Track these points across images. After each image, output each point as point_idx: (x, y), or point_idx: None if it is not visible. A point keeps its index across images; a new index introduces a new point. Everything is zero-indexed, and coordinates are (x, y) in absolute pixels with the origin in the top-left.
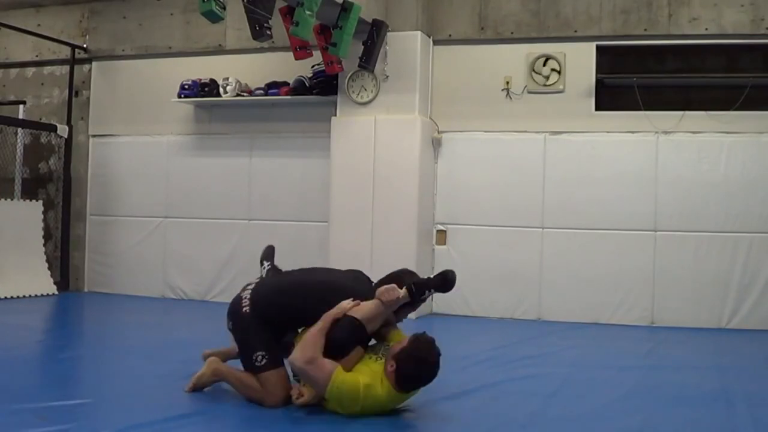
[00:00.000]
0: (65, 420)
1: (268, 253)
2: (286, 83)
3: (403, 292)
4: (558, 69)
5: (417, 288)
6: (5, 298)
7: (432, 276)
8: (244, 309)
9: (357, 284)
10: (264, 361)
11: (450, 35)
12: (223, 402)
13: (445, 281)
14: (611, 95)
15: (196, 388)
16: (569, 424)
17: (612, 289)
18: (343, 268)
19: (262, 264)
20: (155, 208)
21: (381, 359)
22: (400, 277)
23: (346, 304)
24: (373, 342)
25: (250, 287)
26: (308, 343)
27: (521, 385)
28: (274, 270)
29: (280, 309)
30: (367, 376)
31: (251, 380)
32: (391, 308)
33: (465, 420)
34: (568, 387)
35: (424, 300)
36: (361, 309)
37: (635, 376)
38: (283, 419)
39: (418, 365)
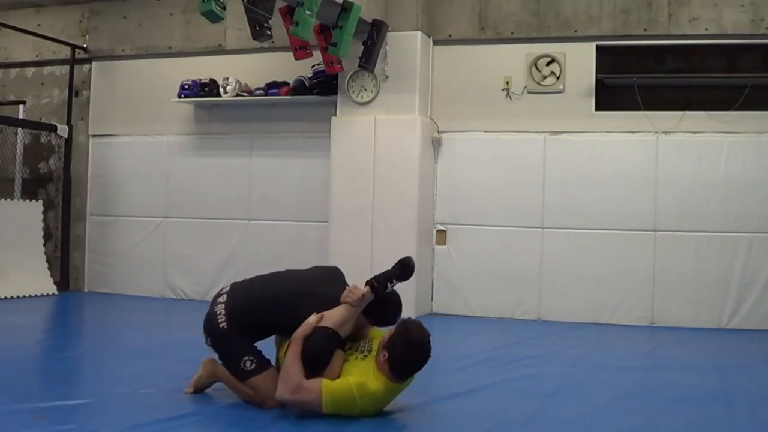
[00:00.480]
0: (65, 420)
1: None
2: (286, 83)
3: (365, 289)
4: (558, 69)
5: (379, 283)
6: (5, 298)
7: (391, 267)
8: (221, 325)
9: (331, 286)
10: (253, 365)
11: (450, 35)
12: (222, 403)
13: (403, 269)
14: (611, 95)
15: (197, 391)
16: (569, 424)
17: (612, 289)
18: (343, 267)
19: None
20: (155, 208)
21: (367, 355)
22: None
23: (312, 319)
24: (350, 345)
25: (221, 300)
26: (288, 373)
27: (521, 385)
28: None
29: (257, 319)
30: (357, 374)
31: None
32: (359, 307)
33: (465, 420)
34: (568, 387)
35: (388, 291)
36: (330, 318)
37: (635, 376)
38: (282, 419)
39: (410, 349)
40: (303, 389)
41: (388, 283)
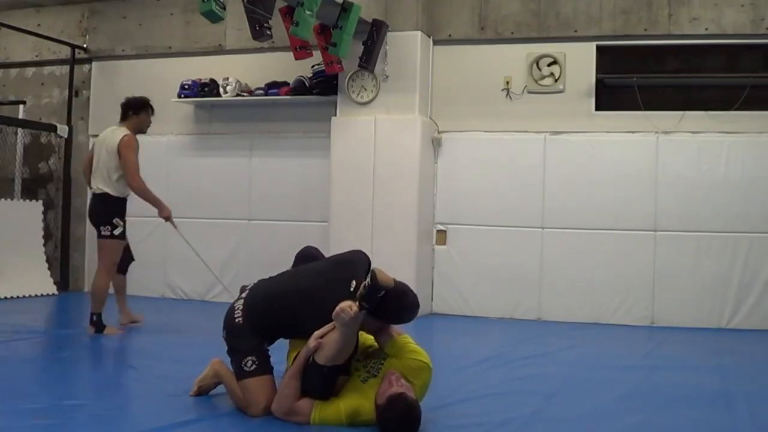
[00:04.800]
0: (65, 420)
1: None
2: (286, 83)
3: (354, 310)
4: (558, 69)
5: (368, 302)
6: (5, 298)
7: (368, 281)
8: (236, 319)
9: (335, 289)
10: (254, 366)
11: (450, 35)
12: (224, 407)
13: (374, 280)
14: (611, 95)
15: (201, 392)
16: (569, 424)
17: (612, 289)
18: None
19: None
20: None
21: (372, 378)
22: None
23: (312, 343)
24: (363, 355)
25: (243, 295)
26: (283, 395)
27: (521, 385)
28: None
29: (269, 317)
30: (353, 398)
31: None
32: (353, 325)
33: (465, 420)
34: (568, 387)
35: (399, 292)
36: (324, 348)
37: (635, 376)
38: (288, 425)
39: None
40: (294, 412)
41: (376, 296)
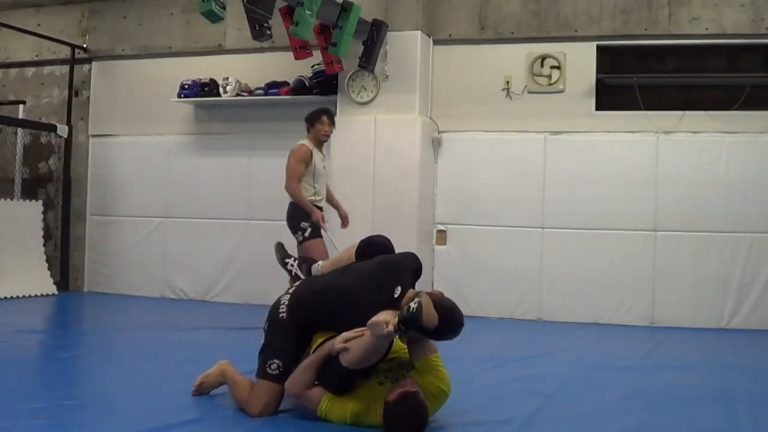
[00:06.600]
0: (65, 420)
1: (282, 251)
2: (286, 83)
3: (389, 330)
4: (558, 69)
5: (405, 326)
6: (5, 298)
7: (414, 309)
8: (280, 314)
9: (378, 293)
10: (276, 371)
11: (450, 35)
12: (224, 405)
13: (418, 314)
14: (611, 95)
15: (202, 389)
16: (569, 424)
17: (612, 289)
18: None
19: (286, 264)
20: (155, 208)
21: (390, 383)
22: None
23: (338, 346)
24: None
25: (291, 290)
26: (296, 381)
27: (521, 385)
28: (306, 264)
29: (312, 313)
30: (362, 401)
31: (246, 385)
32: (385, 341)
33: (465, 420)
34: (568, 387)
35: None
36: (350, 352)
37: (635, 376)
38: (291, 425)
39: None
40: (304, 398)
41: (416, 326)
